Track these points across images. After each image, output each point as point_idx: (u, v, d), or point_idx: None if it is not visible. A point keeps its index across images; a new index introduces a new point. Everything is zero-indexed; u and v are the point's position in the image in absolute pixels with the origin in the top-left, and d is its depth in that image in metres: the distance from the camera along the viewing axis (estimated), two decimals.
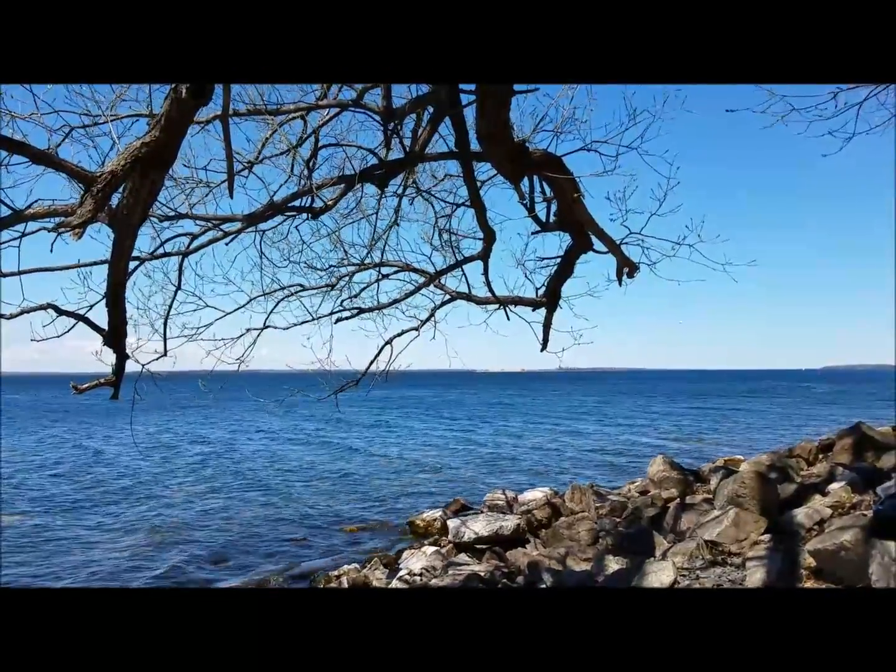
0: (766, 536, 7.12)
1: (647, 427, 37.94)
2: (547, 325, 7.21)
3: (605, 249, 6.48)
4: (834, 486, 8.09)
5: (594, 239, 6.37)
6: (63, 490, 19.35)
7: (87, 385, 4.13)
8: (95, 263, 4.85)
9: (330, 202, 5.56)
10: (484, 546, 10.57)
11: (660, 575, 6.40)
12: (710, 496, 9.66)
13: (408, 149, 5.57)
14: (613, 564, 7.79)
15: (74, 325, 4.42)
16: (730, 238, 6.38)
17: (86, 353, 4.80)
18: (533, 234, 6.53)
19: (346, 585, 9.55)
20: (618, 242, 6.26)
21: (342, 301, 7.05)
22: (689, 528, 8.53)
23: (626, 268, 6.58)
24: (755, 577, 6.13)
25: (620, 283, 6.69)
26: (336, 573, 10.22)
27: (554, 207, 6.15)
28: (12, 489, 19.29)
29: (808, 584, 5.69)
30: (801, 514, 7.20)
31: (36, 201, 3.83)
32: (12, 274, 4.32)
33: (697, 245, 5.82)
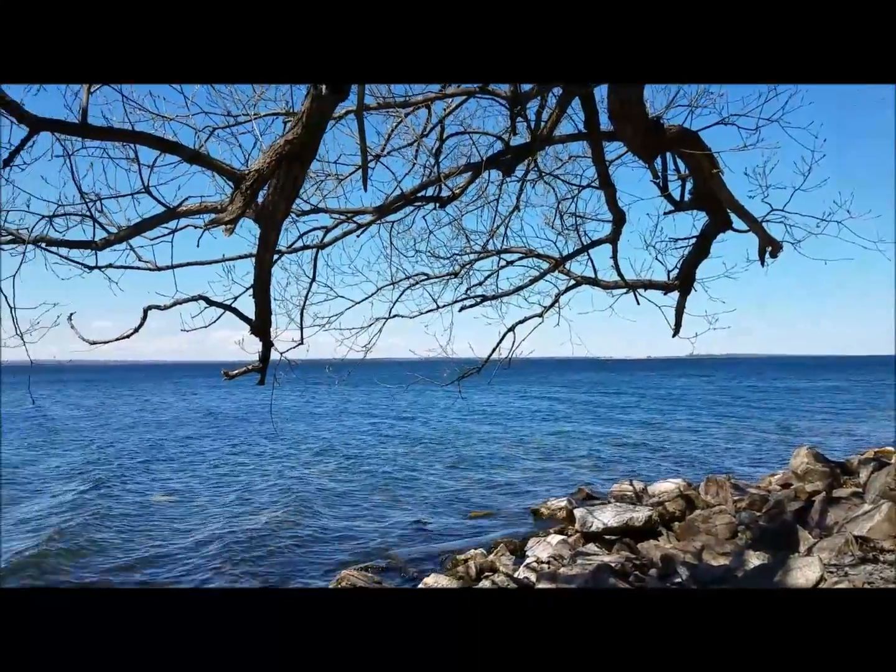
0: None
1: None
2: (680, 310, 6.91)
3: (744, 228, 6.11)
4: None
5: (733, 217, 6.01)
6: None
7: (237, 371, 4.37)
8: (240, 258, 5.14)
9: (457, 190, 5.57)
10: (613, 537, 10.34)
11: (805, 571, 6.06)
12: (860, 490, 9.05)
13: (533, 132, 5.48)
14: (754, 560, 7.42)
15: (221, 315, 4.68)
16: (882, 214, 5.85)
17: (229, 343, 5.11)
18: (666, 213, 6.26)
19: (473, 570, 9.66)
20: (759, 220, 5.87)
21: (466, 290, 7.09)
22: (836, 523, 8.01)
23: (769, 247, 6.17)
24: None
25: (763, 263, 6.27)
26: (463, 557, 10.35)
27: (689, 185, 5.86)
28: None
29: None
30: None
31: (186, 199, 4.09)
32: (167, 268, 4.64)
33: (846, 221, 5.42)
